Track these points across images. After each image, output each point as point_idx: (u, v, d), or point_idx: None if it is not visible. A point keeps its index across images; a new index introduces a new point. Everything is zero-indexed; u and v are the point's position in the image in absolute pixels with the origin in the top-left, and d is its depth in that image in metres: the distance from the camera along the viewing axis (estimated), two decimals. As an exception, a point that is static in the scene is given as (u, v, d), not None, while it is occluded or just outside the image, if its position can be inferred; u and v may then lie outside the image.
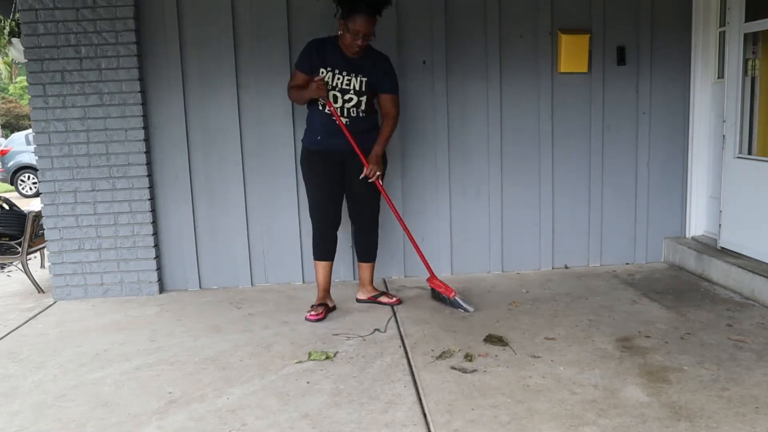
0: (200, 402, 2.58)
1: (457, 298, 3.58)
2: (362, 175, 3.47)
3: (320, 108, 3.48)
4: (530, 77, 4.27)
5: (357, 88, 3.45)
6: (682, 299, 3.68)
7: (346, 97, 3.46)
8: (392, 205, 3.67)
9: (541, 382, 2.63)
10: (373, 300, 3.78)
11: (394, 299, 3.75)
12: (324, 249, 3.67)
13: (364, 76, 3.45)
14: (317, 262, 3.68)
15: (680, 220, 4.54)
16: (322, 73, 3.42)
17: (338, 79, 3.44)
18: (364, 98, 3.47)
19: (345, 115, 3.47)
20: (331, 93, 3.45)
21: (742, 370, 2.70)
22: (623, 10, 4.28)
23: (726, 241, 4.09)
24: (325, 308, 3.59)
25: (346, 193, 3.62)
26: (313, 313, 3.53)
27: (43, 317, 3.82)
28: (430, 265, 3.76)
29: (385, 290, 3.98)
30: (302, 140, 3.63)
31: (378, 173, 3.48)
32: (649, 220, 4.50)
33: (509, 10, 4.21)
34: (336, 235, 3.68)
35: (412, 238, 3.73)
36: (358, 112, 3.49)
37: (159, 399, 2.62)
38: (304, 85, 3.47)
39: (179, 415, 2.47)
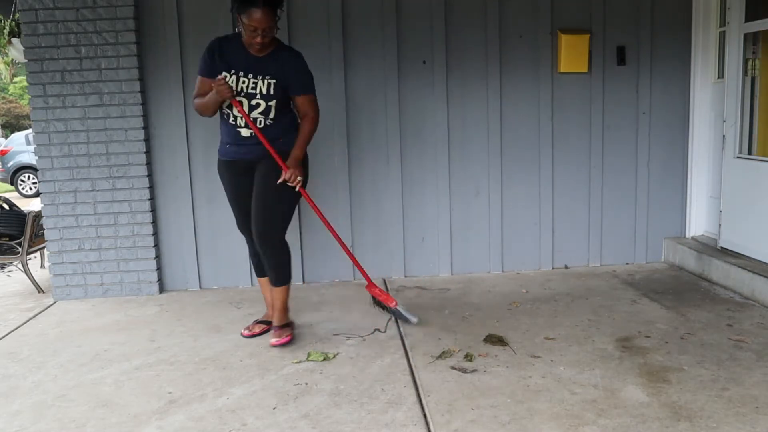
0: (200, 402, 2.57)
1: (399, 307, 3.29)
2: (280, 180, 3.00)
3: (226, 116, 3.10)
4: (530, 77, 4.27)
5: (264, 92, 3.02)
6: (682, 299, 3.68)
7: (253, 102, 3.03)
8: (318, 211, 3.22)
9: (541, 382, 2.63)
10: (256, 334, 3.29)
11: (284, 339, 3.13)
12: (257, 263, 3.36)
13: (271, 78, 3.01)
14: (258, 278, 3.43)
15: (680, 220, 4.54)
16: (225, 77, 2.98)
17: (243, 82, 3.01)
18: (273, 102, 3.03)
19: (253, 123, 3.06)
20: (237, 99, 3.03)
21: (742, 370, 2.69)
22: (623, 10, 4.28)
23: (726, 241, 4.09)
24: (262, 326, 3.34)
25: (252, 201, 3.13)
26: (245, 330, 3.32)
27: (43, 317, 3.82)
28: (367, 271, 3.38)
29: (383, 290, 3.94)
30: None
31: (299, 178, 3.02)
32: (649, 220, 4.49)
33: (509, 10, 4.21)
34: None
35: (342, 243, 3.32)
36: (266, 121, 3.06)
37: (159, 399, 2.62)
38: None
39: (179, 415, 2.47)
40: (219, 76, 2.97)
